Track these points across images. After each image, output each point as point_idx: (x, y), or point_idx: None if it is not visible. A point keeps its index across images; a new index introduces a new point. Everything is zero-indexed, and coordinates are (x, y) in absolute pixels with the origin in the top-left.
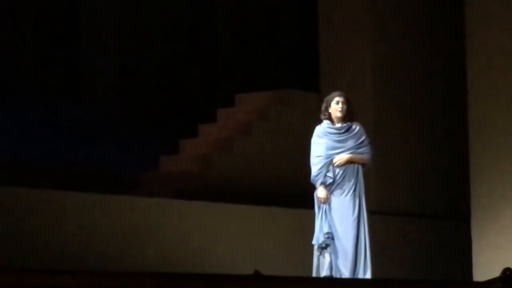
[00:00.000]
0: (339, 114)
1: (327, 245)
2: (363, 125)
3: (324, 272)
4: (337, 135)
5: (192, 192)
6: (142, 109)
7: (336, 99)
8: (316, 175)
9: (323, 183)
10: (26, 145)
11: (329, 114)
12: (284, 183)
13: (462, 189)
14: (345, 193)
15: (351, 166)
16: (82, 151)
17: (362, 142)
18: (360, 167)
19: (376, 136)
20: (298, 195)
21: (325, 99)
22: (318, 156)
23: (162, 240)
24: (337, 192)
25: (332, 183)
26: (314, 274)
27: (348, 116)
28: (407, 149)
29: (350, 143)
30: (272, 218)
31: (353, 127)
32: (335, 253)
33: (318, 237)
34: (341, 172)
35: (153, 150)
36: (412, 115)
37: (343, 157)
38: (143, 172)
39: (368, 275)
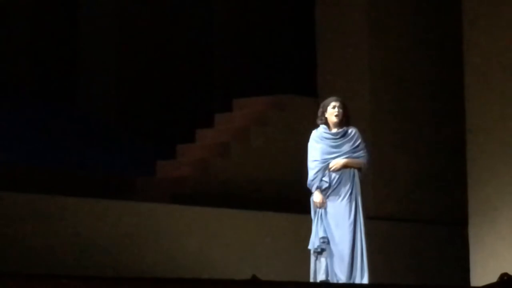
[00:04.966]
0: (335, 119)
1: (322, 250)
2: (360, 130)
3: (320, 277)
4: (333, 140)
5: (189, 197)
6: (139, 114)
7: (333, 103)
8: (312, 180)
9: (319, 188)
10: (22, 149)
11: (326, 118)
12: (281, 188)
13: (459, 195)
14: (341, 197)
15: (347, 170)
16: (79, 155)
17: (358, 146)
18: (356, 171)
19: (373, 141)
20: (296, 200)
21: (322, 104)
22: (314, 161)
23: (159, 245)
24: (333, 197)
25: (328, 188)
26: (311, 279)
27: (344, 121)
28: (405, 154)
29: (346, 148)
30: (269, 223)
31: (349, 131)
32: (331, 257)
33: (313, 242)
34: (337, 177)
35: (150, 154)
36: (409, 121)
37: (339, 162)
38: (140, 177)
39: (365, 280)
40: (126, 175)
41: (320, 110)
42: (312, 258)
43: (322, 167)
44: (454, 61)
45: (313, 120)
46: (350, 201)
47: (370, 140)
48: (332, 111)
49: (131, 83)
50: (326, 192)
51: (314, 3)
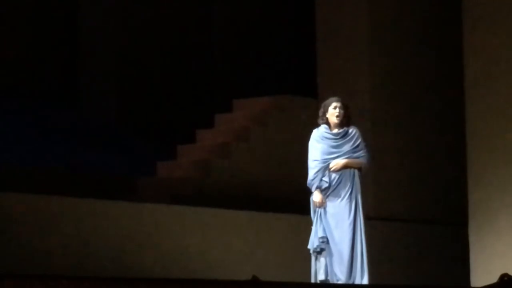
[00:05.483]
0: (336, 120)
1: (322, 250)
2: (360, 130)
3: (319, 276)
4: (334, 140)
5: (189, 198)
6: (139, 114)
7: (334, 104)
8: (312, 179)
9: (318, 188)
10: (23, 150)
11: (327, 119)
12: (281, 188)
13: (459, 195)
14: (341, 197)
15: (347, 170)
16: (79, 156)
17: (358, 146)
18: (356, 171)
19: (374, 142)
20: (296, 200)
21: (323, 104)
22: (314, 160)
23: (159, 246)
24: (333, 197)
25: (328, 188)
26: (312, 279)
27: (345, 121)
28: (405, 155)
29: (346, 148)
30: (269, 224)
31: (350, 131)
32: (330, 257)
33: (313, 241)
34: (337, 177)
35: (151, 155)
36: (409, 121)
37: (339, 162)
38: (140, 178)
39: (365, 280)
40: (127, 175)
41: (321, 110)
42: (313, 259)
43: (322, 167)
44: (454, 61)
45: (314, 121)
46: (350, 201)
47: (370, 140)
48: (333, 112)
49: (132, 83)
50: (326, 192)
51: (314, 3)
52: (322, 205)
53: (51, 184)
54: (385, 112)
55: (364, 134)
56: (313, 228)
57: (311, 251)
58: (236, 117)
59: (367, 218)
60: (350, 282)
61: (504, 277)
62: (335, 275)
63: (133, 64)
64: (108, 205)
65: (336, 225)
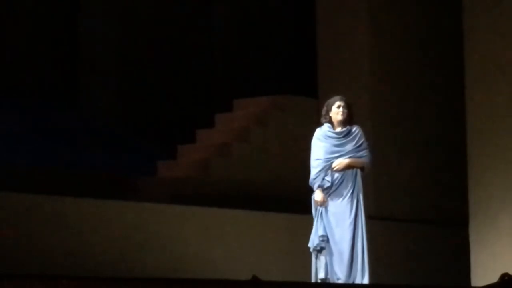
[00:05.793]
0: (339, 118)
1: (322, 248)
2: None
3: (319, 275)
4: (337, 139)
5: (190, 198)
6: (140, 114)
7: (337, 103)
8: (314, 178)
9: (320, 186)
10: (23, 149)
11: (330, 117)
12: (282, 188)
13: (460, 195)
14: (342, 197)
15: (350, 170)
16: (80, 156)
17: (361, 145)
18: (358, 170)
19: (375, 142)
20: (296, 200)
21: (326, 103)
22: (317, 159)
23: (159, 245)
24: (334, 196)
25: (329, 187)
26: (312, 278)
27: (348, 120)
28: (405, 154)
29: (349, 147)
30: (270, 223)
31: (352, 130)
32: (330, 256)
33: (313, 240)
34: (339, 176)
35: (151, 155)
36: (410, 121)
37: (342, 162)
38: (141, 178)
39: (366, 280)
40: (127, 175)
41: (325, 109)
42: (313, 257)
43: (325, 166)
44: (455, 61)
45: (313, 121)
46: (352, 201)
47: (370, 140)
48: (336, 111)
49: (132, 83)
50: (328, 191)
51: (314, 3)
52: (324, 204)
53: (51, 184)
54: (385, 112)
55: (365, 134)
56: (314, 226)
57: (311, 250)
58: (236, 117)
59: (368, 218)
60: (350, 281)
61: (504, 277)
62: (335, 274)
63: (133, 64)
64: (108, 205)
65: (337, 224)
